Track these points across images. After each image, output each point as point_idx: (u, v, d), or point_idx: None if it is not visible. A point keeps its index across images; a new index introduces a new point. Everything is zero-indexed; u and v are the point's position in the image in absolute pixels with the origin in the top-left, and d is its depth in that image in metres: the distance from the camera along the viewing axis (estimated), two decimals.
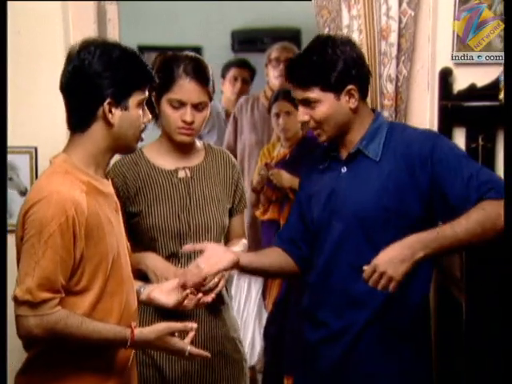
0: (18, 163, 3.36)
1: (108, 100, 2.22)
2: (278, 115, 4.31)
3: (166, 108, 2.72)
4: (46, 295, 2.13)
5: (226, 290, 2.88)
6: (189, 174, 2.79)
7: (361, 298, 2.45)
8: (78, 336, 2.16)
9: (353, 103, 2.49)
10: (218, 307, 2.80)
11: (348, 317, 2.51)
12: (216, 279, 2.61)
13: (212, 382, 2.80)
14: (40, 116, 3.44)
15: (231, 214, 2.87)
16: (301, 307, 2.70)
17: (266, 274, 2.84)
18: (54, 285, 2.14)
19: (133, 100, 2.26)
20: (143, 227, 2.74)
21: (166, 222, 2.73)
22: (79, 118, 2.25)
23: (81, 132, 2.26)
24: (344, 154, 2.58)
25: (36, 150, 3.41)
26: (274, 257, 2.71)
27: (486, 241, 2.38)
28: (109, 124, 2.24)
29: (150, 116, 2.35)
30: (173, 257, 2.75)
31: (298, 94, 2.54)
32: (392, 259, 2.30)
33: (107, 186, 2.33)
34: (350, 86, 2.48)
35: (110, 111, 2.23)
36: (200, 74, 2.70)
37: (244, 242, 2.92)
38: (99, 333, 2.19)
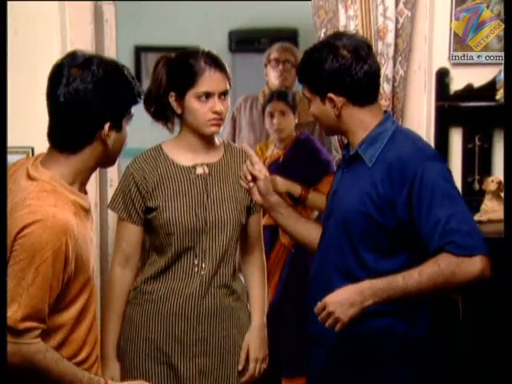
0: None
1: (108, 124, 2.17)
2: (272, 115, 4.28)
3: (193, 103, 2.73)
4: (29, 324, 2.06)
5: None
6: (207, 171, 2.81)
7: None
8: (54, 372, 2.11)
9: (336, 110, 2.48)
10: (231, 305, 2.83)
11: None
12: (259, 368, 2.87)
13: (226, 380, 2.83)
14: (37, 116, 3.42)
15: (249, 212, 2.89)
16: (299, 306, 2.71)
17: (295, 239, 2.84)
18: (40, 314, 2.08)
19: (125, 120, 2.25)
20: (160, 222, 2.75)
21: (183, 217, 2.74)
22: (74, 140, 2.19)
23: (72, 152, 2.19)
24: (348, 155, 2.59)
25: (33, 150, 3.40)
26: (314, 228, 2.72)
27: (440, 294, 2.38)
28: (105, 145, 2.21)
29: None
30: (188, 251, 2.77)
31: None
32: (342, 301, 2.30)
33: (87, 201, 2.29)
34: (329, 94, 2.46)
35: (109, 133, 2.19)
36: (219, 63, 2.75)
37: (261, 264, 2.96)
38: (74, 374, 2.14)
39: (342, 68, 2.44)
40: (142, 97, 2.31)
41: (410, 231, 2.39)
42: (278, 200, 2.71)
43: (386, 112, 2.59)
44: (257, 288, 2.92)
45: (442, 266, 2.29)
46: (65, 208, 2.12)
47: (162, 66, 2.78)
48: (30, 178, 2.18)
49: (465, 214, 2.37)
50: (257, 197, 2.69)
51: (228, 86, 2.76)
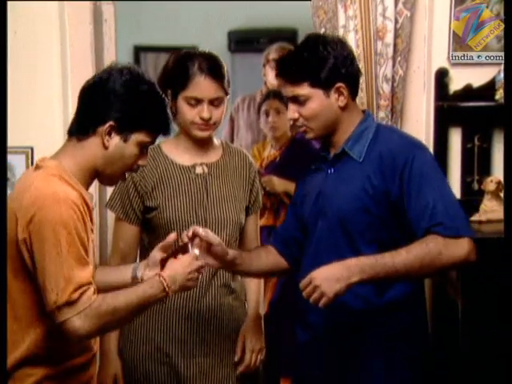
0: (14, 163, 3.36)
1: (110, 122, 2.23)
2: (267, 113, 4.29)
3: (182, 106, 2.72)
4: (80, 290, 2.12)
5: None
6: (206, 170, 2.80)
7: (342, 300, 2.44)
8: (122, 306, 2.17)
9: (342, 101, 2.49)
10: (231, 304, 2.83)
11: (332, 319, 2.51)
12: (254, 357, 2.83)
13: (226, 379, 2.82)
14: (36, 116, 3.44)
15: (247, 212, 2.88)
16: (295, 308, 2.71)
17: (249, 276, 2.85)
18: (84, 279, 2.14)
19: (136, 137, 2.27)
20: (160, 221, 2.75)
21: (183, 217, 2.74)
22: (82, 125, 2.26)
23: (77, 140, 2.26)
24: (332, 155, 2.58)
25: (32, 150, 3.41)
26: (263, 259, 2.71)
27: (426, 276, 2.41)
28: (104, 145, 2.24)
29: (146, 161, 2.36)
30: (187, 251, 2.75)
31: (289, 91, 2.53)
32: (328, 276, 2.30)
33: (91, 200, 2.32)
34: (339, 84, 2.47)
35: (109, 134, 2.23)
36: (214, 70, 2.71)
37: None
38: (136, 294, 2.20)
39: (349, 57, 2.49)
40: (167, 133, 2.36)
41: (403, 220, 2.43)
42: (232, 253, 2.61)
43: (364, 111, 2.62)
44: (252, 281, 2.92)
45: (429, 246, 2.33)
46: (79, 200, 2.18)
47: (168, 61, 2.77)
48: (36, 168, 2.25)
49: (451, 199, 2.44)
50: (213, 262, 2.57)
51: (222, 94, 2.71)
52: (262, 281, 2.99)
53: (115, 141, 2.25)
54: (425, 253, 2.32)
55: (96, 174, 2.30)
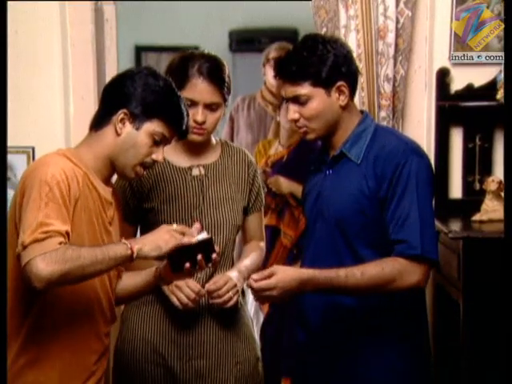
0: (15, 163, 3.36)
1: (124, 110, 2.29)
2: None
3: None
4: (48, 234, 2.11)
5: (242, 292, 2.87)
6: (203, 172, 2.78)
7: (341, 301, 2.44)
8: (87, 256, 2.13)
9: (342, 100, 2.48)
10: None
11: (330, 320, 2.51)
12: (231, 293, 2.65)
13: (223, 382, 2.78)
14: (37, 116, 3.45)
15: (247, 212, 2.86)
16: (293, 309, 2.71)
17: None
18: (58, 228, 2.13)
19: (148, 126, 2.31)
20: (155, 224, 2.71)
21: (178, 220, 2.71)
22: (99, 116, 2.34)
23: (95, 130, 2.33)
24: (330, 156, 2.58)
25: (33, 149, 3.41)
26: None
27: (379, 295, 2.43)
28: (116, 132, 2.31)
29: (161, 157, 2.37)
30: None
31: (289, 91, 2.51)
32: (286, 287, 2.34)
33: (106, 192, 2.35)
34: (340, 82, 2.47)
35: (122, 122, 2.29)
36: (214, 75, 2.67)
37: (260, 246, 2.89)
38: (101, 250, 2.19)
39: (348, 56, 2.49)
40: (182, 129, 2.38)
41: None
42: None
43: (363, 111, 2.61)
44: (249, 252, 2.84)
45: (385, 270, 2.36)
46: (72, 167, 2.24)
47: (172, 62, 2.75)
48: None
49: (428, 216, 2.43)
50: None
51: (219, 99, 2.68)
52: (260, 258, 2.88)
53: (128, 129, 2.30)
54: (379, 277, 2.35)
55: (112, 166, 2.34)
